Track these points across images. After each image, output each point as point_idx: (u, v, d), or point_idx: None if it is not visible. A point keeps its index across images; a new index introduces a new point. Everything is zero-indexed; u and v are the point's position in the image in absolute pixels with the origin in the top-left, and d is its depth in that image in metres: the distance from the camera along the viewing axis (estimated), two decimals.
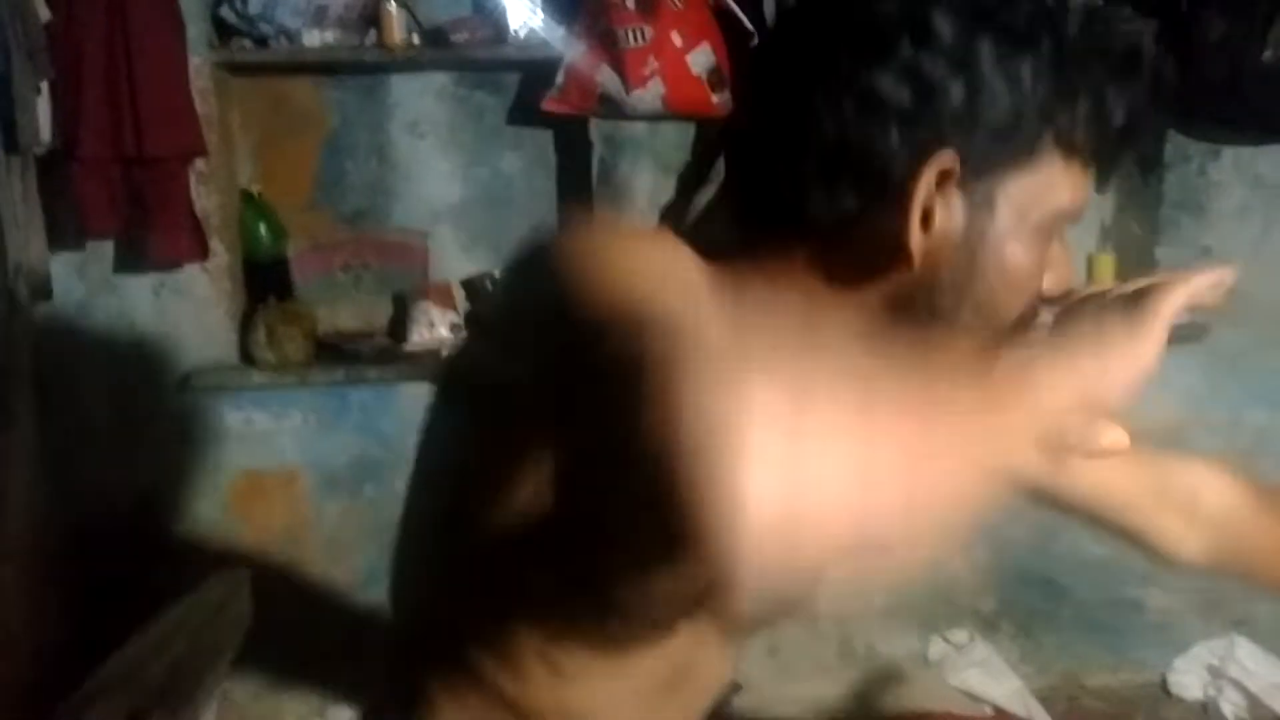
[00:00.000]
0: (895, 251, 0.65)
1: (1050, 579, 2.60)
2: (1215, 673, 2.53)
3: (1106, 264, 2.53)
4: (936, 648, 2.57)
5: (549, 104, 2.25)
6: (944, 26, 0.62)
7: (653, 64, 2.17)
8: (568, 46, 2.21)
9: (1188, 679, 2.57)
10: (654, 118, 2.28)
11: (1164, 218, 2.42)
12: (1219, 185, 2.41)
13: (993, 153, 0.64)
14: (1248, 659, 2.52)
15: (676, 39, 2.17)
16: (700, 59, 2.18)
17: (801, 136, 0.65)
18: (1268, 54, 2.06)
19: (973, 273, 0.67)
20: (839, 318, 0.68)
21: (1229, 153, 2.38)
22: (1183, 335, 2.41)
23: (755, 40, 2.17)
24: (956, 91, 0.62)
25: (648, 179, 2.36)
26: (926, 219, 0.64)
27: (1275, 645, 2.54)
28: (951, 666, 2.51)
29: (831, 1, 0.67)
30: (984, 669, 2.48)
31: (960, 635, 2.57)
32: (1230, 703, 2.49)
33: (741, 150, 0.72)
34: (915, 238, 0.64)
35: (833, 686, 2.50)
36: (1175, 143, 2.37)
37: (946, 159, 0.63)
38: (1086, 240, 2.58)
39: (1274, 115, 2.22)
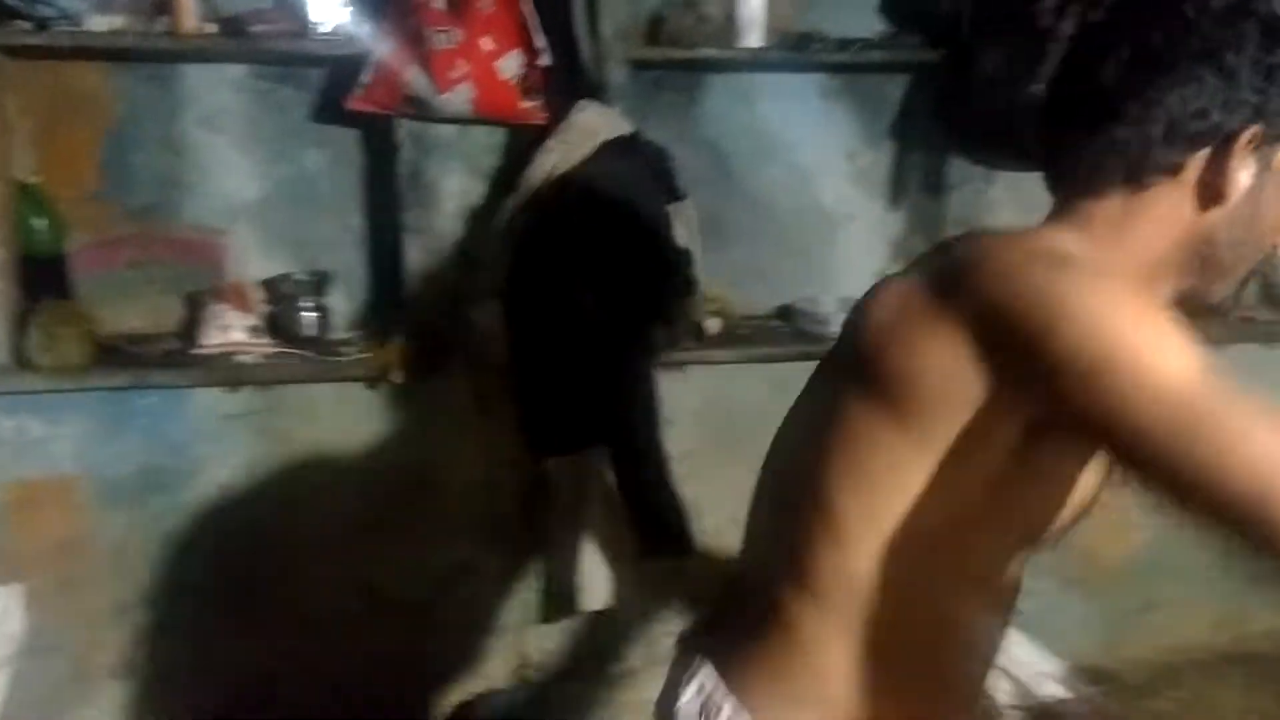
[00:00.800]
0: (1216, 193, 0.88)
1: None
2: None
3: None
4: None
5: (354, 102, 2.20)
6: (1256, 40, 0.86)
7: (462, 67, 2.15)
8: (375, 44, 2.16)
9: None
10: (463, 120, 2.26)
11: (947, 235, 2.57)
12: (996, 206, 2.58)
13: (1275, 128, 0.87)
14: (1019, 649, 2.70)
15: (487, 43, 2.16)
16: (510, 64, 2.18)
17: (1147, 113, 0.87)
18: (1037, 88, 2.22)
19: (1247, 213, 0.90)
20: (1161, 255, 0.92)
21: (1004, 178, 2.56)
22: None
23: (546, 59, 2.18)
24: (1263, 84, 0.86)
25: (457, 182, 2.34)
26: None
27: (1042, 636, 2.74)
28: None
29: (1157, 26, 0.89)
30: None
31: None
32: (1002, 691, 2.66)
33: (1070, 127, 0.95)
34: (1234, 183, 0.88)
35: None
36: (958, 167, 2.54)
37: (1256, 129, 0.87)
38: (877, 255, 2.72)
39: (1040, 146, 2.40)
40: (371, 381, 2.33)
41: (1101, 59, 0.91)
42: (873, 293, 1.00)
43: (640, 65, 2.34)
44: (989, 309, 0.82)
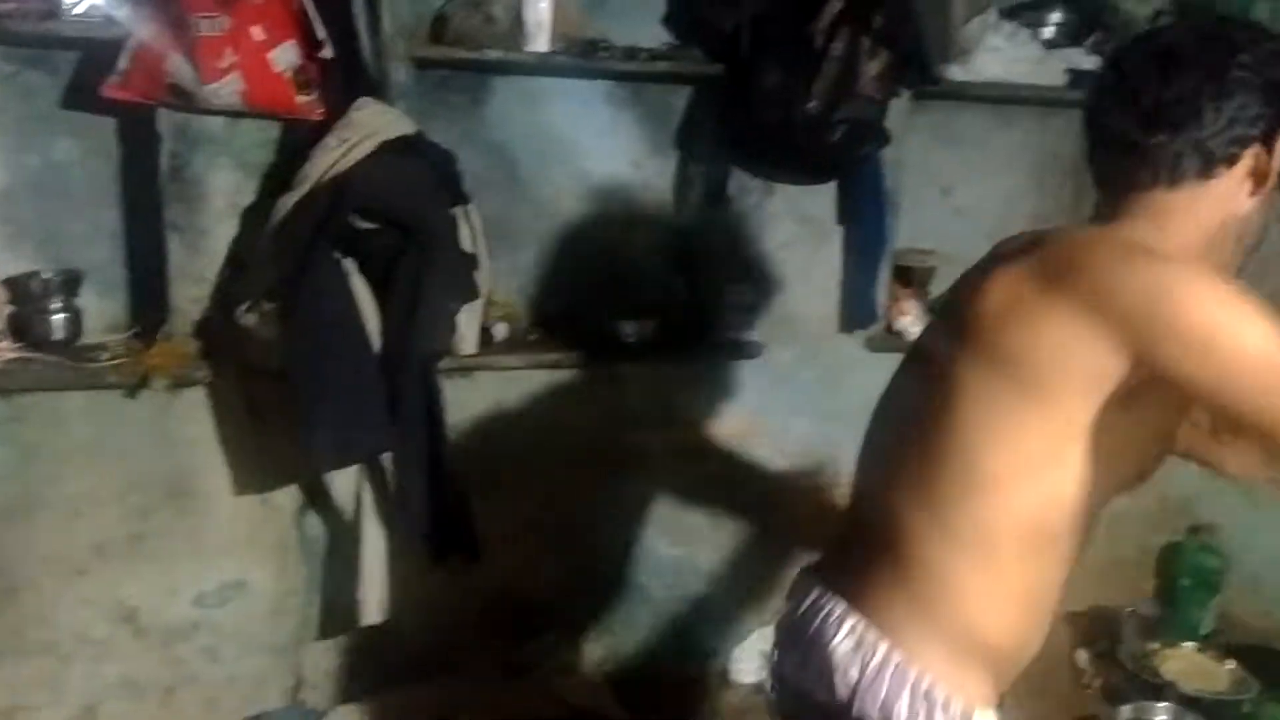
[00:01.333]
0: (1260, 180, 1.15)
1: (629, 580, 2.75)
2: (768, 657, 2.79)
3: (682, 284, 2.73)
4: (526, 653, 2.63)
5: (110, 90, 2.04)
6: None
7: (230, 56, 2.04)
8: (133, 27, 2.02)
9: (745, 665, 2.81)
10: (233, 113, 2.14)
11: (729, 247, 2.65)
12: (773, 218, 2.67)
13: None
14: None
15: (258, 32, 2.05)
16: (283, 56, 2.08)
17: (1219, 117, 1.11)
18: (811, 105, 2.31)
19: (1269, 200, 1.17)
20: (1213, 236, 1.17)
21: (781, 190, 2.65)
22: (744, 352, 2.66)
23: (323, 52, 2.10)
24: None
25: (226, 178, 2.22)
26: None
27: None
28: (541, 672, 2.58)
29: (1214, 60, 1.12)
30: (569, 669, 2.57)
31: (548, 640, 2.65)
32: None
33: (1155, 131, 1.14)
34: (1274, 172, 1.15)
35: None
36: (738, 178, 2.60)
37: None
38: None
39: (816, 160, 2.50)
40: (130, 389, 2.18)
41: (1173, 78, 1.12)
42: (978, 279, 1.18)
43: (424, 64, 2.29)
44: (1106, 295, 1.04)
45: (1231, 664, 2.62)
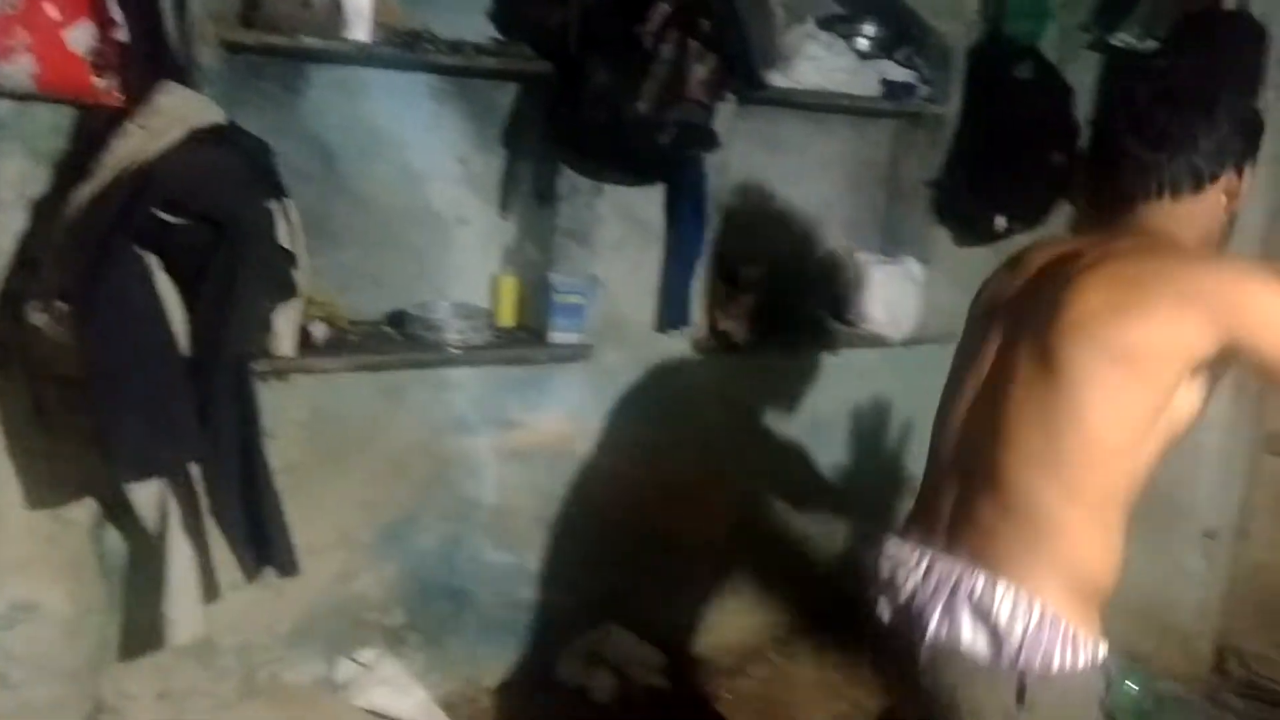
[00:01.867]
0: (1236, 192, 1.50)
1: (454, 587, 2.69)
2: (594, 659, 2.79)
3: (509, 285, 2.69)
4: (344, 669, 2.53)
5: None
6: (1252, 116, 1.52)
7: (22, 35, 1.88)
8: None
9: (571, 668, 2.80)
10: (23, 96, 1.97)
11: (557, 245, 2.63)
12: (602, 219, 2.66)
13: (1251, 164, 1.51)
14: (621, 644, 2.81)
15: (52, 10, 1.89)
16: (80, 36, 1.92)
17: (1195, 156, 1.44)
18: (640, 106, 2.31)
19: (1232, 211, 1.52)
20: (1209, 236, 1.51)
21: (610, 190, 2.64)
22: (572, 355, 2.64)
23: (123, 33, 1.96)
24: (1254, 141, 1.51)
25: (15, 166, 2.03)
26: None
27: (643, 630, 2.88)
28: (359, 687, 2.49)
29: (1200, 105, 1.46)
30: (391, 686, 2.49)
31: (369, 654, 2.56)
32: (605, 686, 2.76)
33: (1159, 152, 1.45)
34: (1243, 193, 1.51)
35: None
36: (567, 178, 2.58)
37: (1250, 163, 1.50)
38: (491, 263, 2.72)
39: (644, 161, 2.51)
40: None
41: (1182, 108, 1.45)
42: (1060, 290, 1.40)
43: (234, 49, 2.17)
44: (1197, 291, 1.31)
45: None
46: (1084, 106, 3.08)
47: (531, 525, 2.76)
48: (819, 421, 3.11)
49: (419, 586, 2.65)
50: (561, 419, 2.74)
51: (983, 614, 1.38)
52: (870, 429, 3.22)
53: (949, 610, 1.41)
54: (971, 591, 1.39)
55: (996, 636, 1.36)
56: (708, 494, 2.97)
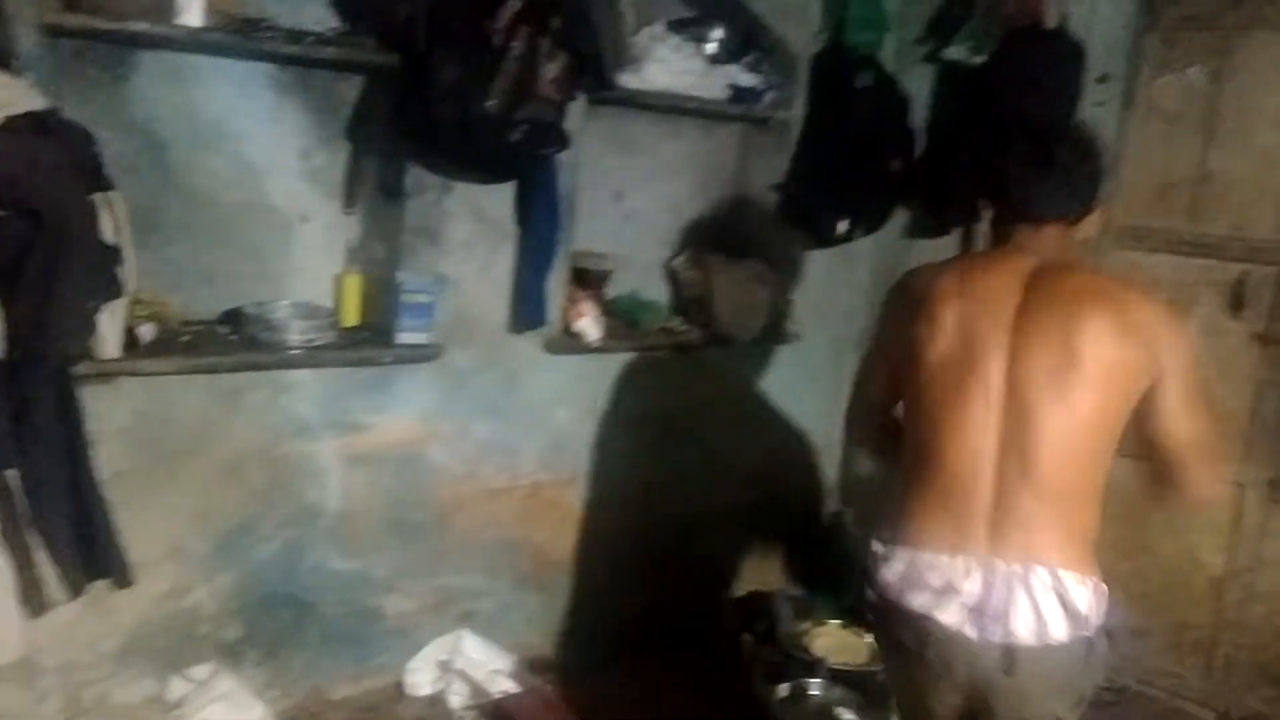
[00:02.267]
0: (1100, 223, 1.92)
1: (295, 598, 2.60)
2: (444, 667, 2.74)
3: (354, 283, 2.61)
4: (177, 687, 2.41)
5: None
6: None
7: None
8: None
9: (420, 677, 2.74)
10: None
11: (404, 243, 2.56)
12: (451, 216, 2.61)
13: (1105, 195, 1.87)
14: (473, 651, 2.76)
15: None
16: None
17: (1075, 189, 1.78)
18: (491, 103, 2.28)
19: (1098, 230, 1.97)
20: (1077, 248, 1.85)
21: (460, 188, 2.59)
22: (420, 355, 2.58)
23: None
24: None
25: None
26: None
27: (495, 635, 2.84)
28: (192, 705, 2.37)
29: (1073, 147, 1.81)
30: (227, 702, 2.38)
31: (203, 670, 2.44)
32: (457, 694, 2.71)
33: (1023, 191, 1.78)
34: (1103, 220, 2.00)
35: None
36: (414, 174, 2.52)
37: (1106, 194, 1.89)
38: (335, 261, 2.63)
39: (495, 159, 2.47)
40: None
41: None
42: (1059, 318, 1.67)
43: (56, 32, 2.03)
44: (1148, 330, 1.66)
45: (870, 637, 2.87)
46: (919, 115, 3.21)
47: (378, 531, 2.69)
48: (671, 421, 3.13)
49: (257, 598, 2.54)
50: (409, 421, 2.67)
51: (1060, 603, 1.64)
52: (721, 426, 3.26)
53: (1031, 607, 1.64)
54: (1043, 586, 1.64)
55: (1073, 617, 1.64)
56: (560, 496, 2.95)
